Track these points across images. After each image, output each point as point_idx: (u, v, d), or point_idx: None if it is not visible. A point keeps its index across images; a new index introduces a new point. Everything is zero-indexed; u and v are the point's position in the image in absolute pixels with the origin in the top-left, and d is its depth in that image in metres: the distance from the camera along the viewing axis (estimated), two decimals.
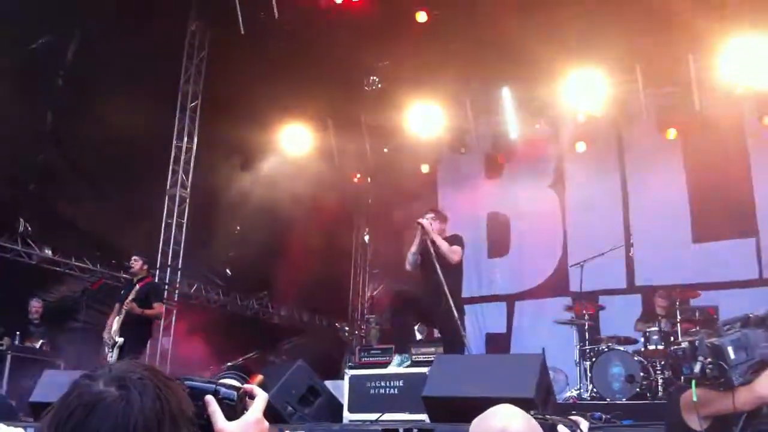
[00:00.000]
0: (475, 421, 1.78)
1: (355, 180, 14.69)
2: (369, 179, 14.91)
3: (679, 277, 11.04)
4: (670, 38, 11.06)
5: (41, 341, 9.80)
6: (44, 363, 8.99)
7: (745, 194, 11.48)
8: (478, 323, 12.74)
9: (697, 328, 8.15)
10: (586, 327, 9.37)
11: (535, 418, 1.79)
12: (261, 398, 1.72)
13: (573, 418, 1.85)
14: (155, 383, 1.44)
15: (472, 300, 12.54)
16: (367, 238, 15.05)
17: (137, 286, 9.20)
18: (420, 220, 7.72)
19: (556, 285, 12.41)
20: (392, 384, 6.55)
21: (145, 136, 11.34)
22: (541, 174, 13.12)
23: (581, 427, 1.79)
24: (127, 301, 8.92)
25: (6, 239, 10.49)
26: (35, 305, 10.18)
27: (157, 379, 1.46)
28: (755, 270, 11.22)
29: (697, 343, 3.86)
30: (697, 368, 3.71)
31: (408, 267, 7.81)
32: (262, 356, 12.20)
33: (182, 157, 12.47)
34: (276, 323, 13.68)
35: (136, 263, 9.44)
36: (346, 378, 6.84)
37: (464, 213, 13.18)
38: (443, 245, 7.64)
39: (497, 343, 12.64)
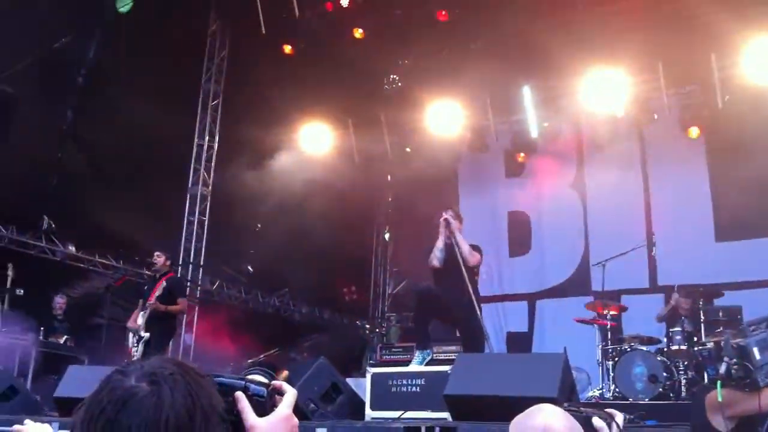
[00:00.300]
0: (517, 419, 1.78)
1: (377, 177, 14.69)
2: (389, 178, 14.90)
3: (702, 276, 10.93)
4: (692, 37, 10.99)
5: (65, 337, 9.91)
6: (69, 359, 9.08)
7: None
8: (500, 322, 12.69)
9: (722, 328, 8.08)
10: (609, 327, 9.32)
11: (568, 410, 1.79)
12: (290, 394, 1.73)
13: (608, 411, 1.84)
14: (186, 379, 1.45)
15: (494, 299, 12.52)
16: (387, 236, 15.05)
17: (160, 282, 9.24)
18: (446, 216, 7.74)
19: (578, 284, 12.33)
20: (414, 382, 6.54)
21: (167, 134, 11.43)
22: (562, 172, 13.05)
23: (616, 419, 1.79)
24: (150, 300, 8.96)
25: (30, 236, 10.62)
26: (59, 302, 10.30)
27: (188, 375, 1.46)
28: None
29: (722, 343, 3.85)
30: (722, 369, 3.71)
31: (436, 263, 7.70)
32: (283, 353, 12.26)
33: (203, 156, 12.56)
34: (297, 320, 13.74)
35: (159, 258, 9.46)
36: (368, 375, 6.84)
37: (485, 211, 13.18)
38: (465, 246, 7.66)
39: (519, 342, 12.57)
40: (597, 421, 1.72)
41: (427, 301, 7.73)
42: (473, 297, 7.31)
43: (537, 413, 1.75)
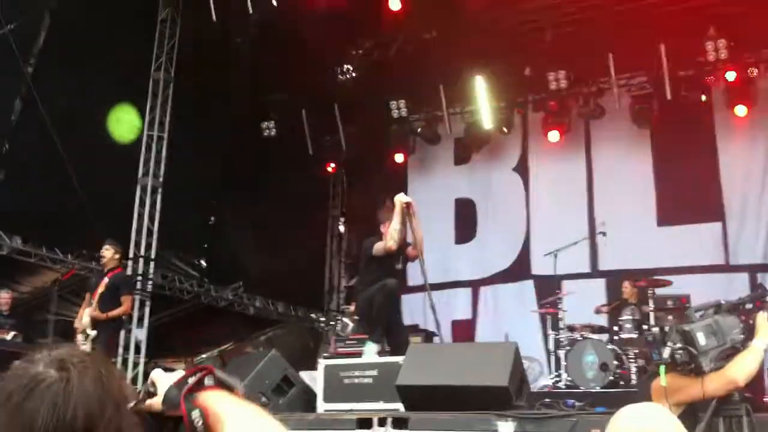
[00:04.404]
0: (613, 420, 1.63)
1: (330, 169, 14.63)
2: (343, 169, 14.86)
3: (643, 261, 11.08)
4: (641, 27, 11.14)
5: (12, 333, 9.66)
6: (15, 355, 8.85)
7: (711, 179, 11.52)
8: (445, 310, 12.59)
9: (670, 317, 8.20)
10: (559, 315, 9.39)
11: None
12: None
13: None
14: (97, 367, 1.43)
15: (439, 286, 12.48)
16: (342, 228, 15.00)
17: (106, 278, 9.02)
18: (410, 199, 7.59)
19: (519, 269, 12.46)
20: (367, 373, 6.50)
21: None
22: (507, 158, 13.14)
23: None
24: (94, 297, 8.74)
25: None
26: (4, 296, 10.01)
27: (98, 363, 1.44)
28: (721, 256, 11.28)
29: (667, 328, 3.88)
30: (666, 353, 3.74)
31: (393, 246, 7.38)
32: (237, 348, 12.17)
33: (153, 146, 12.33)
34: (251, 315, 13.60)
35: (108, 252, 9.16)
36: (320, 368, 6.80)
37: (433, 199, 13.19)
38: (420, 233, 7.60)
39: (463, 329, 12.59)
40: None
41: (395, 297, 7.65)
42: (428, 282, 7.42)
43: (639, 417, 1.58)
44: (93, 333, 8.47)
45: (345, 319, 10.24)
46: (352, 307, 11.04)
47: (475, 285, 13.00)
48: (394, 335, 7.62)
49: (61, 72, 10.53)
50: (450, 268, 13.00)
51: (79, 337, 8.58)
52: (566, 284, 10.42)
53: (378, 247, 7.57)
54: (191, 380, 1.56)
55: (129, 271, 11.04)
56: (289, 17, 11.78)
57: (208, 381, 1.58)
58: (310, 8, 11.59)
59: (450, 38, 12.34)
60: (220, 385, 1.59)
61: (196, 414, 1.51)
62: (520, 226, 12.73)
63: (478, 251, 13.13)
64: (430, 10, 11.94)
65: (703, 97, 11.41)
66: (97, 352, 1.56)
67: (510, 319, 11.93)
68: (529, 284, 12.11)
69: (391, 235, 7.40)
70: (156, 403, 1.56)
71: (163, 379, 1.59)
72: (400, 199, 7.52)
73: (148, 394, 1.58)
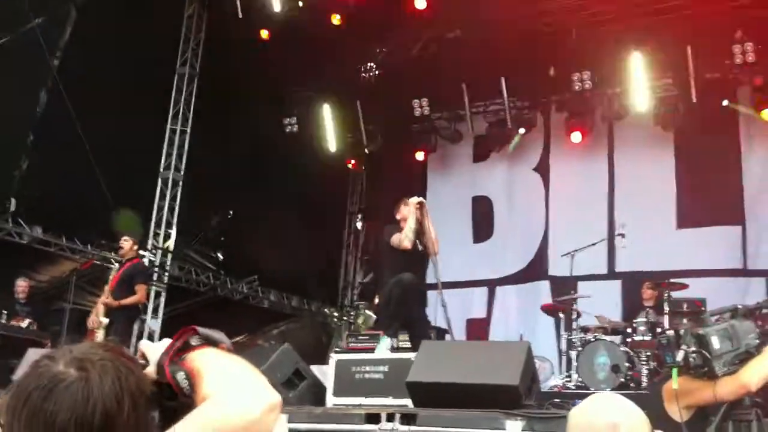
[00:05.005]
0: (576, 413, 1.62)
1: (350, 166, 14.61)
2: (363, 166, 14.83)
3: (661, 263, 10.94)
4: (668, 29, 11.02)
5: (28, 321, 9.75)
6: (31, 342, 8.94)
7: (734, 183, 11.38)
8: (460, 308, 12.52)
9: (684, 320, 8.10)
10: (574, 317, 9.30)
11: None
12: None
13: None
14: (115, 365, 1.44)
15: (456, 285, 12.40)
16: (359, 225, 14.98)
17: (123, 267, 9.12)
18: (421, 199, 7.78)
19: (536, 269, 12.40)
20: (378, 369, 6.47)
21: (141, 118, 11.32)
22: (528, 157, 13.04)
23: None
24: (106, 295, 8.82)
25: None
26: (21, 285, 10.12)
27: (117, 361, 1.46)
28: (739, 260, 11.12)
29: (682, 331, 3.83)
30: (679, 356, 3.69)
31: (408, 244, 7.56)
32: (250, 340, 12.19)
33: (176, 140, 12.39)
34: (265, 308, 13.63)
35: (126, 243, 9.33)
36: (332, 362, 6.78)
37: (451, 197, 13.14)
38: (433, 232, 7.68)
39: (477, 328, 12.53)
40: None
41: (413, 291, 7.64)
42: (440, 283, 7.42)
43: (600, 408, 1.58)
44: (105, 321, 8.54)
45: (368, 312, 10.26)
46: (373, 303, 11.12)
47: (491, 284, 12.93)
48: (417, 330, 7.64)
49: (87, 65, 10.62)
50: (467, 266, 12.91)
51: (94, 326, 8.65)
52: (582, 285, 10.31)
53: (394, 239, 7.73)
54: (177, 344, 1.58)
55: (146, 262, 11.12)
56: (314, 14, 11.80)
57: (194, 341, 1.59)
58: (335, 5, 11.62)
59: (474, 38, 12.29)
60: (207, 342, 1.61)
61: (181, 376, 1.52)
62: (538, 225, 12.65)
63: (495, 250, 13.06)
64: (454, 9, 11.90)
65: (725, 102, 11.25)
66: (118, 347, 1.57)
67: (525, 318, 11.86)
68: (546, 285, 12.02)
69: (406, 234, 7.59)
70: (150, 372, 1.56)
71: (152, 349, 1.60)
72: (412, 200, 7.75)
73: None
